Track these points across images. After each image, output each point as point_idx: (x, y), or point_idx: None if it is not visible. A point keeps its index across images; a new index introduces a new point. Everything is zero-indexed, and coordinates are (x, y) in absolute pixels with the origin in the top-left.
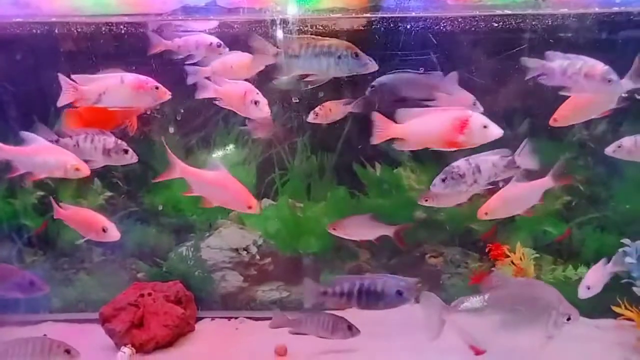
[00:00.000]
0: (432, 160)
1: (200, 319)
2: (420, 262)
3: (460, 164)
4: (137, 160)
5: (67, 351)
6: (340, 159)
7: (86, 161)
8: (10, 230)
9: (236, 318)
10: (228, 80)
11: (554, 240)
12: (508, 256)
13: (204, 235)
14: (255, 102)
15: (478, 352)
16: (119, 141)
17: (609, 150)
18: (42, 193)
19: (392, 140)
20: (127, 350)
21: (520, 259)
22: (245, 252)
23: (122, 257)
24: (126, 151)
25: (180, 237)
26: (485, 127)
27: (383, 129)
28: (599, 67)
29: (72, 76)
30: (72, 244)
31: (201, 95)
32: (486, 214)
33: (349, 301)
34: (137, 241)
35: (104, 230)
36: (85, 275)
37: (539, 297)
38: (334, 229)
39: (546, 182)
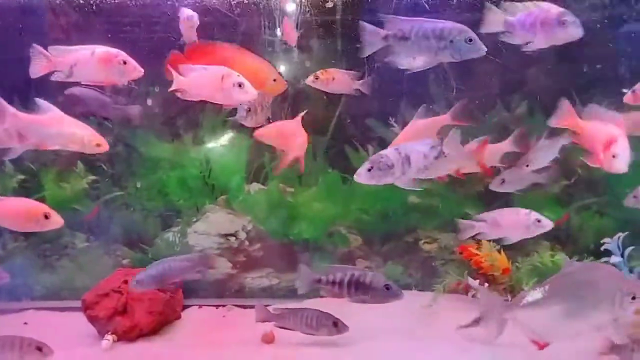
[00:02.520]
0: None
1: (188, 306)
2: (414, 248)
3: (389, 153)
4: None
5: (39, 348)
6: (332, 142)
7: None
8: None
9: (224, 306)
10: (194, 66)
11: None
12: (477, 254)
13: (191, 220)
14: (240, 85)
15: (541, 347)
16: None
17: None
18: (23, 177)
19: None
20: (109, 337)
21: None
22: (234, 237)
23: (107, 243)
24: None
25: (167, 222)
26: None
27: (564, 117)
28: (554, 10)
29: (49, 48)
30: (56, 230)
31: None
32: None
33: (340, 291)
34: (122, 226)
35: (46, 217)
36: (68, 262)
37: (600, 280)
38: None
39: (444, 119)
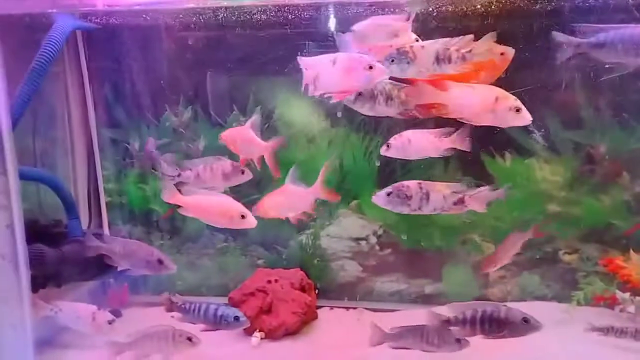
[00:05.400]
0: (570, 150)
1: (318, 307)
2: (553, 258)
3: (411, 185)
4: (251, 177)
5: (189, 339)
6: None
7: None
8: (140, 215)
9: (355, 308)
10: (456, 83)
11: (622, 234)
12: (625, 267)
13: (324, 223)
14: (517, 110)
15: None
16: (235, 163)
17: None
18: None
19: None
20: (258, 334)
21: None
22: (365, 242)
23: (243, 244)
24: (243, 171)
25: (302, 225)
26: None
27: None
28: None
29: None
30: (197, 230)
31: (423, 100)
32: None
33: (472, 329)
34: (260, 228)
35: (242, 217)
36: (207, 261)
37: None
38: None
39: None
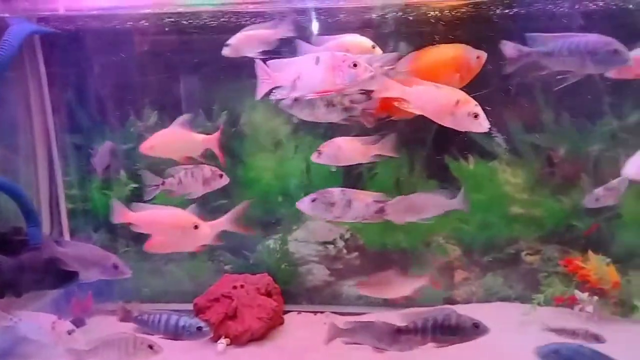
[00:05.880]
0: (531, 153)
1: (286, 312)
2: (516, 259)
3: (335, 192)
4: (228, 182)
5: (150, 346)
6: (431, 152)
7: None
8: (104, 221)
9: (322, 312)
10: (422, 81)
11: (581, 234)
12: (583, 267)
13: (291, 228)
14: (475, 115)
15: None
16: (214, 168)
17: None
18: (136, 185)
19: None
20: (224, 341)
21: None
22: (332, 245)
23: (210, 249)
24: (221, 175)
25: (268, 230)
26: None
27: None
28: None
29: (268, 62)
30: None
31: (385, 94)
32: None
33: (423, 338)
34: (226, 233)
35: (195, 227)
36: (174, 267)
37: None
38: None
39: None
